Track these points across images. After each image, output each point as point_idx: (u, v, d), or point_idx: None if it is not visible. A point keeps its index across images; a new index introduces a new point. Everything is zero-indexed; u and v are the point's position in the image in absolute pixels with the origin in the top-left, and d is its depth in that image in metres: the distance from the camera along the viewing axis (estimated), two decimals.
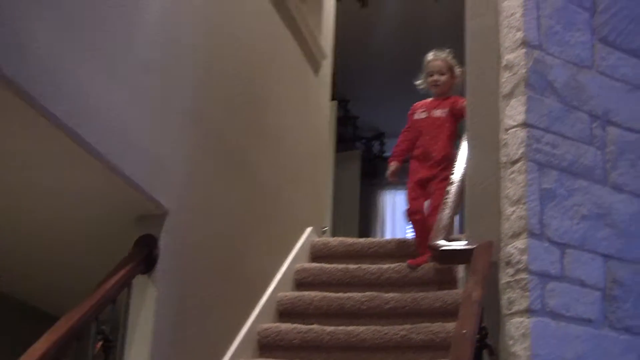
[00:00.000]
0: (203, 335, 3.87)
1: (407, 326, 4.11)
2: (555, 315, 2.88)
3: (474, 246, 3.10)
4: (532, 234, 2.93)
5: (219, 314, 4.06)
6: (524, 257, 2.90)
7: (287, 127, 5.18)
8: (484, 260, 3.00)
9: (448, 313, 4.07)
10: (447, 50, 5.05)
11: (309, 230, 5.35)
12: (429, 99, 5.13)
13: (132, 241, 3.45)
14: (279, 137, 4.98)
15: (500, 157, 3.18)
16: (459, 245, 3.28)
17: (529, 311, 2.83)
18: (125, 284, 3.29)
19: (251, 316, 4.38)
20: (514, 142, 3.08)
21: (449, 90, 5.07)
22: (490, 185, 3.21)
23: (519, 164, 3.03)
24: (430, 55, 5.09)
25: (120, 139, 3.16)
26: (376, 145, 10.37)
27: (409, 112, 5.13)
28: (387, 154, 10.38)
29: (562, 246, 2.98)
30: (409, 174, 5.02)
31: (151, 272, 3.42)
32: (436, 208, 4.39)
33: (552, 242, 2.96)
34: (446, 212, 3.75)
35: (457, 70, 5.01)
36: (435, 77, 5.03)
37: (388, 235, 10.08)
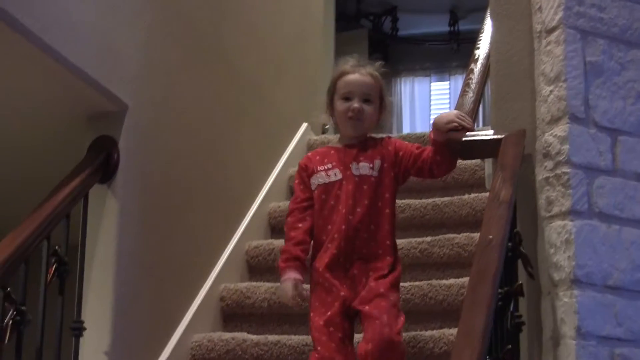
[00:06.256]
0: (178, 256, 3.90)
1: (428, 239, 4.12)
2: (605, 217, 2.84)
3: (502, 136, 3.08)
4: (574, 118, 2.88)
5: (199, 230, 4.08)
6: (565, 147, 2.86)
7: (269, 3, 5.12)
8: (514, 153, 2.97)
9: (477, 222, 4.05)
10: (378, 61, 3.45)
11: (304, 126, 5.37)
12: (334, 146, 3.46)
13: (86, 145, 3.45)
14: (259, 16, 4.94)
15: (533, 24, 3.13)
16: (484, 135, 3.24)
17: (572, 213, 2.80)
18: (80, 196, 3.30)
19: (237, 233, 4.43)
20: (549, 5, 3.00)
21: (373, 129, 3.46)
22: (522, 61, 3.17)
23: (556, 33, 2.97)
24: (348, 66, 3.39)
25: (63, 22, 3.11)
26: (387, 22, 10.27)
27: (300, 167, 3.43)
28: (401, 32, 10.30)
29: (613, 132, 2.93)
30: (312, 292, 3.26)
31: (111, 181, 3.45)
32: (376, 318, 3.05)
33: (600, 128, 2.92)
34: (469, 95, 3.70)
35: (389, 98, 3.47)
36: (357, 104, 3.32)
37: (406, 131, 10.08)
